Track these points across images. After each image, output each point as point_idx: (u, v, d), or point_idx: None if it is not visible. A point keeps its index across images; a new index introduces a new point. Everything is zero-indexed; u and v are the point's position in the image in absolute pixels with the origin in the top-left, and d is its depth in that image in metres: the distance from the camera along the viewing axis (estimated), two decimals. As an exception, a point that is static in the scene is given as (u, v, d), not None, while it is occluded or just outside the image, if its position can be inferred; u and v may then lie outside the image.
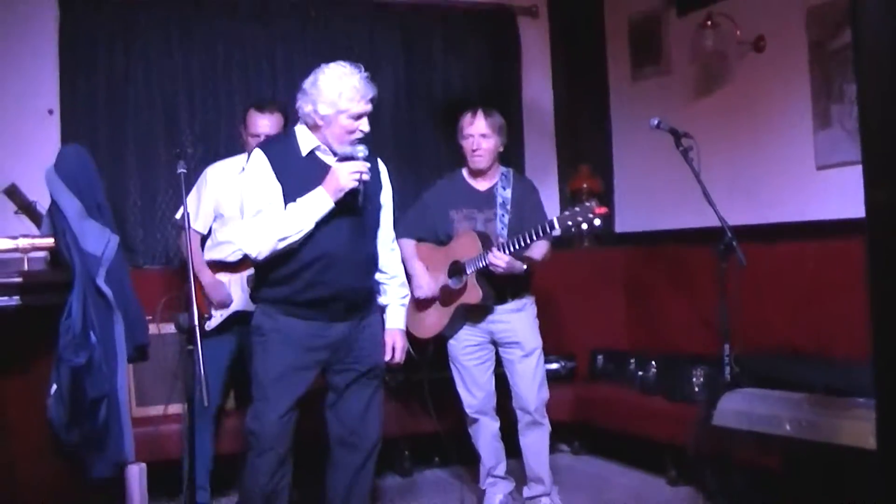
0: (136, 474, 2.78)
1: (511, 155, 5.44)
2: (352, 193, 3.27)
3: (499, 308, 4.12)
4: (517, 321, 4.14)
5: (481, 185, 4.19)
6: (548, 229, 3.80)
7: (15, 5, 4.88)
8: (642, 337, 5.41)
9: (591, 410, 5.01)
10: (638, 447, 4.76)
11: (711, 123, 5.09)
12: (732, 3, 5.00)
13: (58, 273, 2.74)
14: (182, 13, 5.21)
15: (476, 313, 4.13)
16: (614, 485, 4.72)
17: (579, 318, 5.42)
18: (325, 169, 3.29)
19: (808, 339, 4.26)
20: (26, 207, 4.26)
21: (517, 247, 3.88)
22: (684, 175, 4.30)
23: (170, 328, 4.04)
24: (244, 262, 4.10)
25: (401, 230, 4.03)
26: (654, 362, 4.85)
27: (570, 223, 3.74)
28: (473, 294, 4.03)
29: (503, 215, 4.11)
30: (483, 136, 4.07)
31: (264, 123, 4.13)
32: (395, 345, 3.57)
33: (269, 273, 3.34)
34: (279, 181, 3.27)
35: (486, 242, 4.01)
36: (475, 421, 4.22)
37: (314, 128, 3.32)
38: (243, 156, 4.28)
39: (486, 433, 4.23)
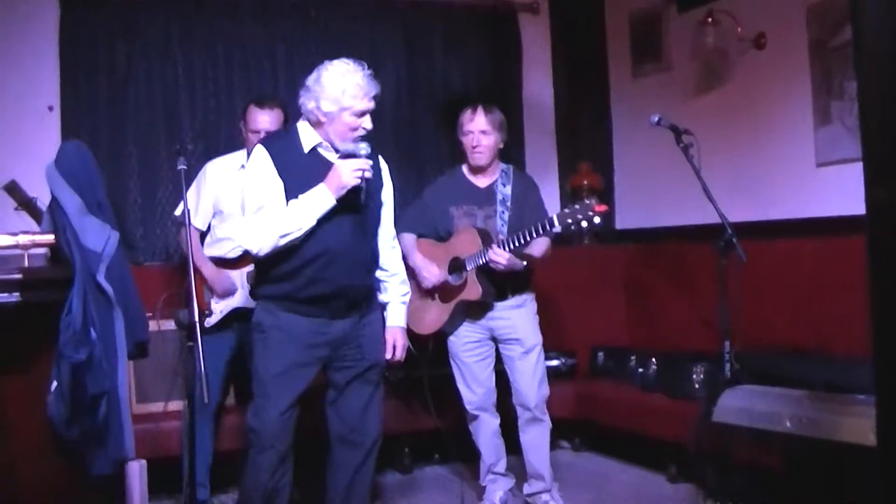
0: (137, 471, 2.77)
1: (511, 152, 5.45)
2: (354, 191, 3.27)
3: (499, 305, 4.12)
4: (517, 318, 4.14)
5: (481, 181, 4.19)
6: (548, 227, 3.81)
7: (16, 4, 4.87)
8: (643, 334, 5.41)
9: (592, 407, 5.01)
10: (638, 444, 4.77)
11: (712, 120, 5.09)
12: (733, 1, 4.99)
13: (58, 269, 2.74)
14: (182, 12, 5.20)
15: (476, 310, 4.13)
16: (614, 481, 4.73)
17: (580, 314, 5.42)
18: (328, 166, 3.29)
19: (808, 336, 4.26)
20: (26, 204, 4.26)
21: (517, 244, 3.88)
22: (684, 172, 4.30)
23: (170, 325, 4.04)
24: (244, 259, 4.10)
25: (401, 226, 4.04)
26: (654, 359, 4.85)
27: (569, 220, 3.75)
28: (473, 291, 4.03)
29: (503, 212, 4.11)
30: (483, 132, 4.07)
31: (264, 119, 4.13)
32: (395, 343, 3.57)
33: (270, 270, 3.34)
34: (281, 177, 3.27)
35: (487, 239, 4.01)
36: (475, 418, 4.22)
37: (317, 124, 3.32)
38: (242, 152, 4.28)
39: (487, 430, 4.23)
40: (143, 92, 5.10)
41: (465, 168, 4.23)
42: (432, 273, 4.13)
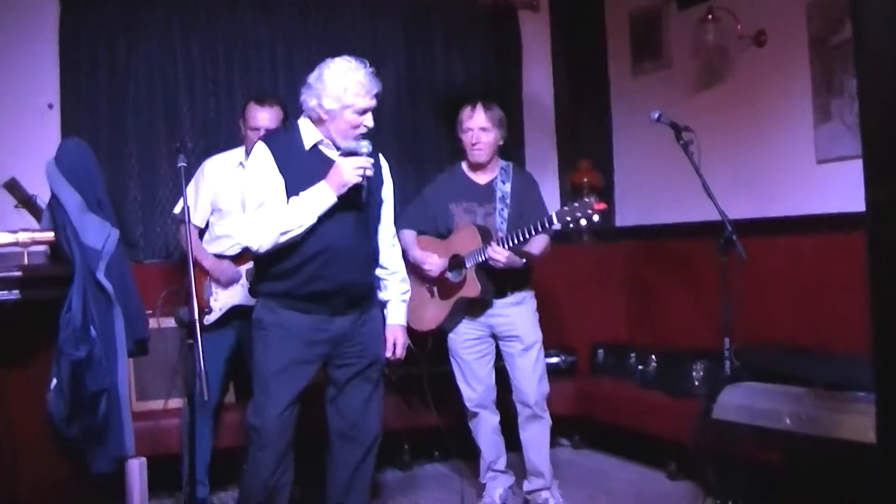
0: (137, 469, 2.77)
1: (511, 149, 5.45)
2: (355, 189, 3.28)
3: (498, 302, 4.12)
4: (517, 315, 4.14)
5: (481, 178, 4.19)
6: (547, 224, 3.81)
7: (15, 1, 4.87)
8: (643, 331, 5.41)
9: (592, 405, 5.02)
10: (638, 441, 4.77)
11: (712, 118, 5.09)
12: (733, -2, 5.00)
13: (58, 267, 2.74)
14: (182, 9, 5.19)
15: (475, 307, 4.13)
16: (614, 479, 4.73)
17: (580, 312, 5.42)
18: (329, 163, 3.29)
19: (808, 334, 4.27)
20: (26, 201, 4.25)
21: (516, 241, 3.88)
22: (684, 169, 4.30)
23: (170, 322, 4.04)
24: (243, 256, 4.11)
25: (401, 223, 4.05)
26: (654, 356, 4.85)
27: (568, 218, 3.75)
28: (473, 288, 4.03)
29: (502, 209, 4.11)
30: (483, 129, 4.07)
31: (264, 117, 4.12)
32: (395, 341, 3.58)
33: (270, 267, 3.34)
34: (282, 174, 3.28)
35: (486, 236, 4.01)
36: (475, 415, 4.22)
37: (318, 122, 3.33)
38: (241, 149, 4.28)
39: (486, 427, 4.23)
40: (143, 89, 5.10)
41: (464, 165, 4.23)
42: (434, 262, 4.12)
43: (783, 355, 4.11)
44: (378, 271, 3.54)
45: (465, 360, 4.18)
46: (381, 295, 3.58)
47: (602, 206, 3.73)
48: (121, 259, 2.80)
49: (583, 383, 5.15)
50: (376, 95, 3.31)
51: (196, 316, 3.19)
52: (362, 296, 3.44)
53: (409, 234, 4.18)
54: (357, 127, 3.29)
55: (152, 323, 3.54)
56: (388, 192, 3.56)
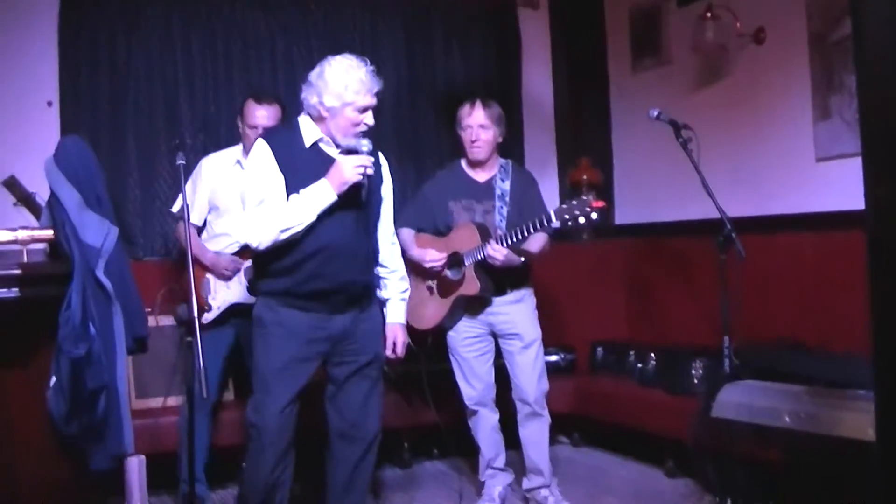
0: (136, 466, 2.78)
1: (511, 147, 5.44)
2: (355, 187, 3.28)
3: (498, 300, 4.12)
4: (516, 313, 4.14)
5: (480, 176, 4.19)
6: (545, 222, 3.81)
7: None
8: (642, 329, 5.41)
9: (591, 402, 5.02)
10: (637, 439, 4.77)
11: (711, 115, 5.08)
12: (732, -5, 5.00)
13: (57, 265, 2.74)
14: (182, 7, 5.19)
15: (475, 305, 4.13)
16: (613, 476, 4.73)
17: (579, 310, 5.43)
18: (329, 161, 3.29)
19: (807, 331, 4.27)
20: (25, 199, 4.25)
21: (515, 239, 3.88)
22: (684, 167, 4.30)
23: (169, 320, 4.05)
24: (242, 254, 4.10)
25: (401, 221, 4.05)
26: (653, 354, 4.86)
27: (567, 217, 3.75)
28: (472, 286, 4.03)
29: (502, 207, 4.11)
30: (482, 126, 4.07)
31: (262, 115, 4.12)
32: (395, 339, 3.58)
33: (269, 265, 3.33)
34: (282, 172, 3.27)
35: (485, 234, 4.01)
36: (474, 413, 4.22)
37: (318, 119, 3.32)
38: (238, 147, 4.27)
39: (486, 425, 4.23)
40: (142, 87, 5.09)
41: (463, 162, 4.23)
42: (434, 257, 4.11)
43: (782, 353, 4.11)
44: (378, 270, 3.54)
45: (465, 358, 4.18)
46: (381, 293, 3.58)
47: (600, 203, 3.73)
48: (120, 257, 2.80)
49: (582, 381, 5.15)
50: (377, 93, 3.31)
51: (195, 314, 3.19)
52: (362, 294, 3.44)
53: (408, 233, 4.18)
54: (358, 125, 3.29)
55: (151, 321, 3.55)
56: (387, 190, 3.56)
